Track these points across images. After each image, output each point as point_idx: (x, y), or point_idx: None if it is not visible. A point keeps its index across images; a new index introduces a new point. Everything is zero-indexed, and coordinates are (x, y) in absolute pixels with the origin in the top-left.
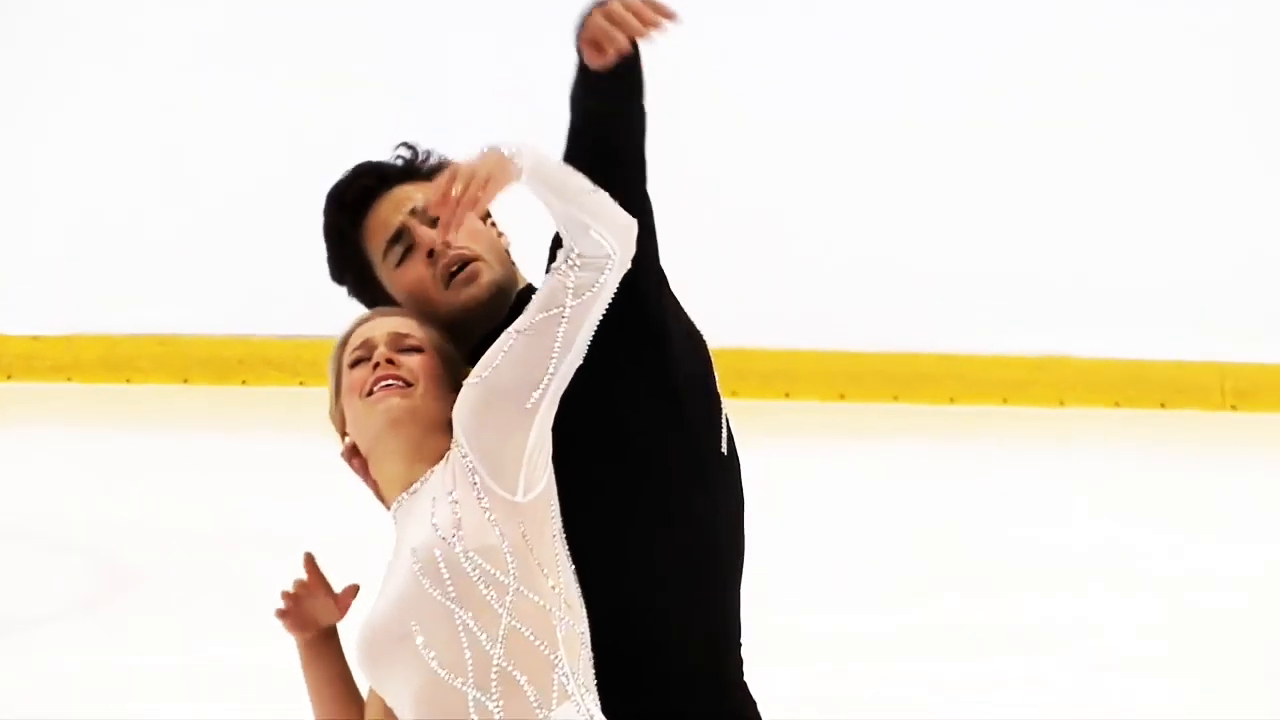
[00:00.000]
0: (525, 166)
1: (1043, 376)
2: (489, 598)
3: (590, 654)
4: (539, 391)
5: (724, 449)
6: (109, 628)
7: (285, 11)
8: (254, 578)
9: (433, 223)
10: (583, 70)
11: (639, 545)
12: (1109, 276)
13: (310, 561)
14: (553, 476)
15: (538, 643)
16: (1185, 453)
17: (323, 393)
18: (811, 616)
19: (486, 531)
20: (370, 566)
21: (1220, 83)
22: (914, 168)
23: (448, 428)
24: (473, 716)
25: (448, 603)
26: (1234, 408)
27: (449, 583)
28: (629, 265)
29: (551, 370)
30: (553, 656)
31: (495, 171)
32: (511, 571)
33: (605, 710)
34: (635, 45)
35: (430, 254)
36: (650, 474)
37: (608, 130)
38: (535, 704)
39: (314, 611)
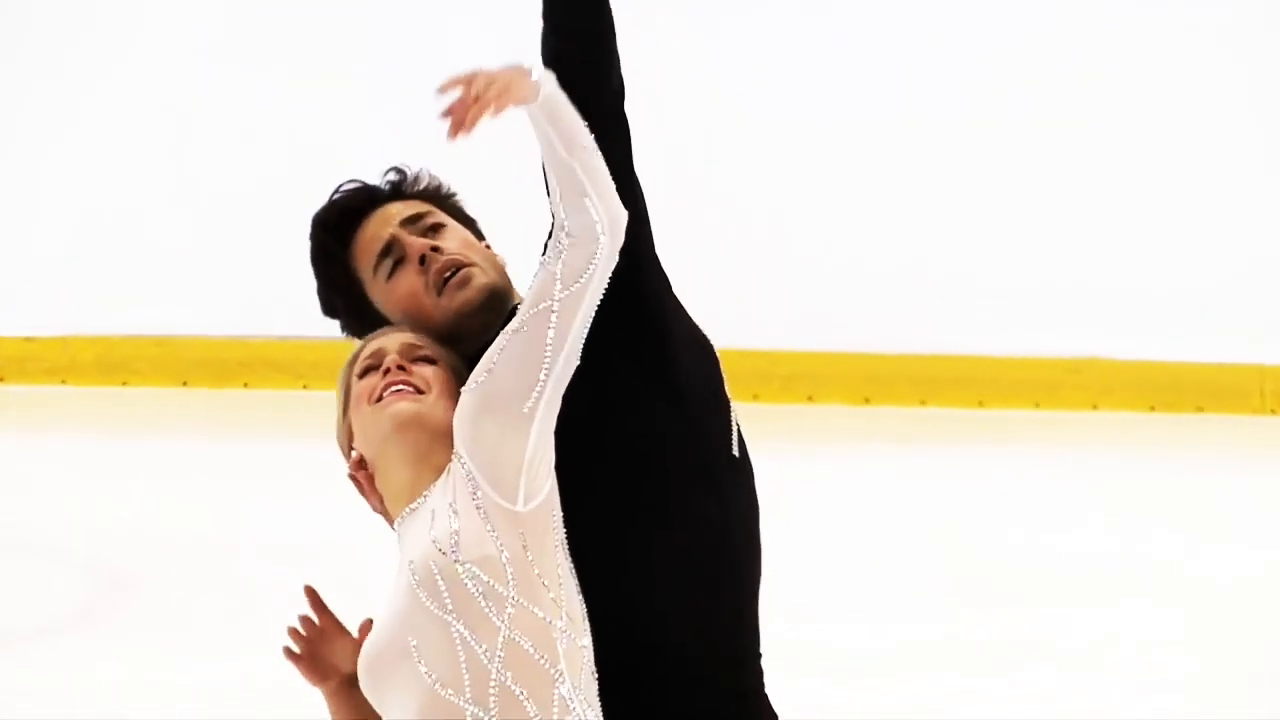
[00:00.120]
0: (544, 92)
1: (1076, 379)
2: (487, 610)
3: (594, 668)
4: (535, 393)
5: (735, 451)
6: (104, 639)
7: (286, 11)
8: (256, 587)
9: (423, 232)
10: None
11: (637, 546)
12: (1144, 277)
13: (316, 600)
14: (555, 485)
15: (538, 656)
16: (1224, 458)
17: (327, 396)
18: (835, 626)
19: (485, 542)
20: (379, 576)
21: (1224, 81)
22: (922, 167)
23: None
24: None
25: (444, 616)
26: (1274, 411)
27: (445, 595)
28: (617, 258)
29: (546, 369)
30: (553, 671)
31: (515, 82)
32: (510, 583)
33: None
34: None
35: (422, 260)
36: (650, 474)
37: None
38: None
39: (332, 657)
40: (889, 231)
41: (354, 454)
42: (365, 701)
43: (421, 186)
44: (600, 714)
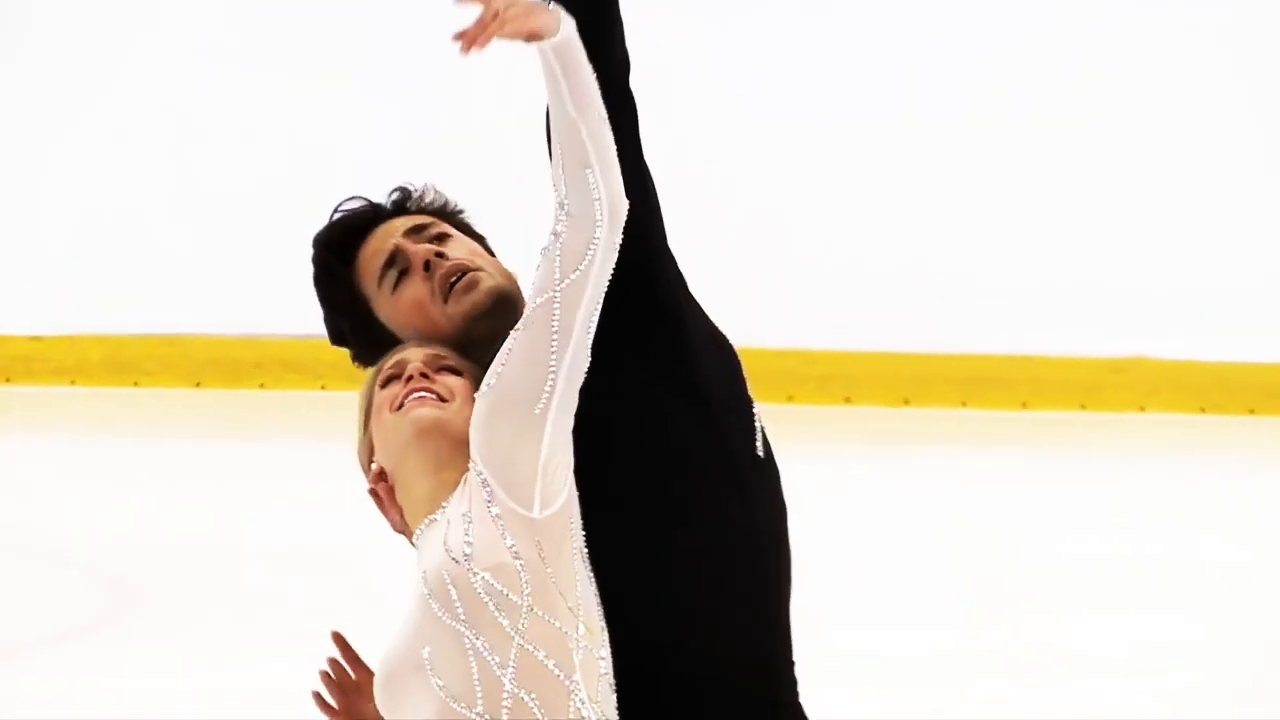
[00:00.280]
0: (563, 32)
1: (1122, 380)
2: (500, 620)
3: (612, 680)
4: (546, 393)
5: (759, 451)
6: (113, 648)
7: (286, 11)
8: (271, 595)
9: (428, 241)
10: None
11: (655, 546)
12: (1194, 275)
13: (347, 649)
14: (574, 490)
15: (552, 668)
16: (1276, 462)
17: (346, 397)
18: (874, 633)
19: (499, 549)
20: (397, 584)
21: (1227, 79)
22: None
23: None
24: None
25: (457, 625)
26: None
27: (458, 604)
28: (617, 246)
29: (554, 366)
30: (569, 682)
31: (535, 10)
32: (525, 592)
33: None
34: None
35: (426, 267)
36: (670, 473)
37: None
38: None
39: (371, 714)
40: (902, 232)
41: (374, 466)
42: None
43: (427, 202)
44: None
